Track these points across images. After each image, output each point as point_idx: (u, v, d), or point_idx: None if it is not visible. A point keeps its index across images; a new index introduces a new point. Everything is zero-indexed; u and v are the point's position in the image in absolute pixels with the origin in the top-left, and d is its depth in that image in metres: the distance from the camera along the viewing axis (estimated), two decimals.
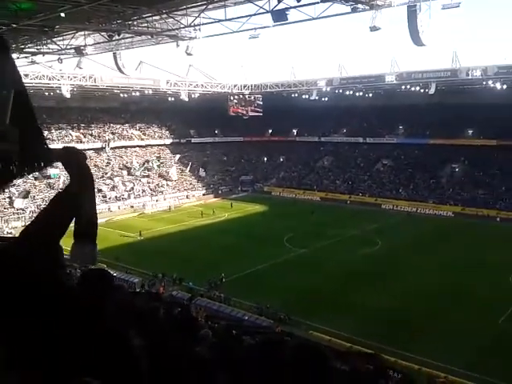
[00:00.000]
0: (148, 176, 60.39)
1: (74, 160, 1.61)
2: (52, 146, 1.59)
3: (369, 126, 64.63)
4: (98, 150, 59.53)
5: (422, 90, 52.41)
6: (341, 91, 58.79)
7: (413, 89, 53.29)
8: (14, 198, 46.35)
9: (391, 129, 62.71)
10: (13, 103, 1.40)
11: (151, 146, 66.63)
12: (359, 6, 20.48)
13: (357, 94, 58.73)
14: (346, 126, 67.74)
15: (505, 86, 47.14)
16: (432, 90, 50.05)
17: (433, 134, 57.77)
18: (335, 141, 67.19)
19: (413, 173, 57.51)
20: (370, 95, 60.19)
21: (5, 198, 46.98)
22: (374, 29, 21.60)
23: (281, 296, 25.99)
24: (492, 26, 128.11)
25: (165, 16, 23.35)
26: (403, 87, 54.08)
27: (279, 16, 20.58)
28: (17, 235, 1.63)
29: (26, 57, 31.47)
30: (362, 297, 25.93)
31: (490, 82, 47.70)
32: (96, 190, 1.76)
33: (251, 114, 66.56)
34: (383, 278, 28.99)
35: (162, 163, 63.08)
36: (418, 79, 51.36)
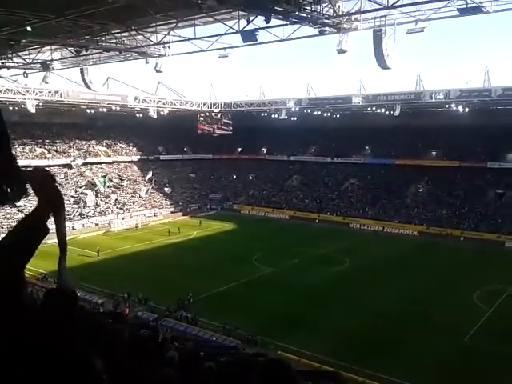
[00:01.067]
0: (114, 193, 59.31)
1: (43, 181, 1.52)
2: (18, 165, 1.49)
3: (337, 145, 65.72)
4: (62, 167, 58.15)
5: (387, 112, 53.83)
6: (309, 111, 59.77)
7: (378, 110, 54.74)
8: None
9: (358, 149, 63.95)
10: None
11: (118, 162, 65.64)
12: (326, 28, 20.99)
13: (325, 114, 59.86)
14: (315, 145, 68.71)
15: (467, 109, 48.96)
16: (397, 112, 51.45)
17: (398, 155, 59.21)
18: (304, 160, 67.96)
19: (379, 192, 58.59)
20: (338, 116, 61.43)
21: None
22: (340, 51, 22.10)
23: (249, 316, 25.74)
24: (455, 49, 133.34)
25: (134, 33, 23.31)
26: (369, 109, 55.51)
27: (249, 36, 20.83)
28: None
29: None
30: (331, 316, 25.97)
31: (452, 105, 49.44)
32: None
33: (220, 132, 66.69)
34: (351, 298, 29.16)
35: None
36: (384, 101, 52.79)
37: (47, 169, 1.58)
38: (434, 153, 58.29)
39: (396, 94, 52.16)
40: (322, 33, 21.13)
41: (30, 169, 1.52)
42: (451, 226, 48.85)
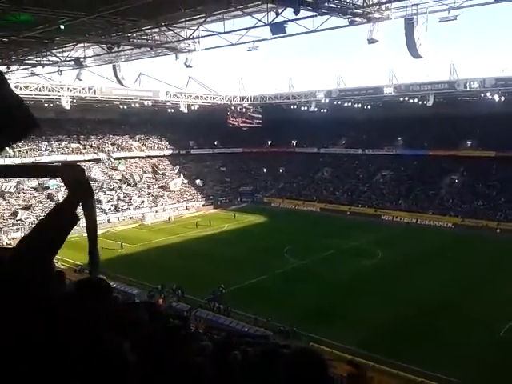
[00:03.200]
0: (148, 187, 60.41)
1: (73, 175, 1.62)
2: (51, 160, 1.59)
3: (368, 137, 64.83)
4: (97, 161, 59.60)
5: (420, 102, 52.69)
6: (339, 103, 59.12)
7: (411, 101, 53.58)
8: (16, 210, 46.35)
9: (390, 140, 62.88)
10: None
11: (150, 157, 66.78)
12: (357, 19, 20.72)
13: (355, 105, 59.06)
14: (345, 137, 67.99)
15: (503, 98, 47.41)
16: (430, 102, 50.34)
17: (431, 146, 57.94)
18: (334, 152, 67.36)
19: (412, 184, 57.57)
20: (369, 107, 60.48)
21: (4, 210, 46.99)
22: (371, 41, 21.81)
23: (281, 308, 25.83)
24: (490, 37, 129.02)
25: (164, 28, 23.60)
26: (401, 99, 54.42)
27: (277, 29, 20.79)
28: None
29: (25, 68, 31.69)
30: (363, 308, 25.79)
31: (487, 94, 47.97)
32: (96, 201, 1.77)
33: (250, 125, 66.83)
34: (383, 290, 28.86)
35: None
36: (416, 91, 51.69)
37: (77, 163, 1.68)
38: (468, 143, 56.69)
39: (429, 83, 50.99)
40: (352, 23, 20.88)
41: (59, 164, 1.62)
42: (487, 217, 47.57)
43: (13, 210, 46.90)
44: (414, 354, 20.24)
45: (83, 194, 1.60)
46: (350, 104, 58.80)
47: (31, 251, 1.51)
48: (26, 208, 47.40)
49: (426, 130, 58.66)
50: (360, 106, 59.32)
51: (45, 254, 1.55)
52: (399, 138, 62.79)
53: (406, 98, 53.79)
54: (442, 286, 29.16)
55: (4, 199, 48.11)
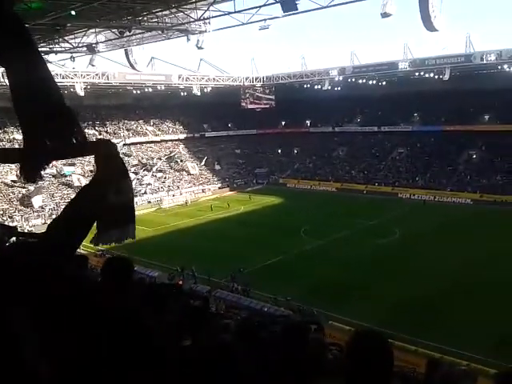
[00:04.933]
0: (164, 171, 60.79)
1: (104, 151, 1.62)
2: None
3: (383, 114, 63.96)
4: None
5: (436, 77, 51.61)
6: (353, 80, 58.28)
7: (427, 75, 52.53)
8: (31, 198, 46.90)
9: (406, 117, 61.98)
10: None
11: (165, 141, 67.03)
12: None
13: (370, 82, 58.18)
14: (360, 115, 67.23)
15: None
16: (446, 76, 49.30)
17: (449, 121, 56.97)
18: (349, 130, 66.67)
19: (429, 160, 56.84)
20: (384, 83, 59.51)
21: (24, 197, 47.78)
22: (385, 15, 21.40)
23: (300, 287, 25.99)
24: (506, 7, 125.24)
25: (174, 10, 23.40)
26: (417, 74, 53.36)
27: (289, 6, 20.49)
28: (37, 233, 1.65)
29: None
30: (382, 287, 25.80)
31: (505, 67, 46.78)
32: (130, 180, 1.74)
33: (264, 106, 66.40)
34: (403, 268, 28.81)
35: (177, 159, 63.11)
36: (432, 65, 50.63)
37: (111, 141, 1.67)
38: (486, 117, 55.60)
39: (445, 57, 49.89)
40: None
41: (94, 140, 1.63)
42: (507, 192, 46.82)
43: (28, 197, 47.57)
44: (434, 331, 20.24)
45: (113, 171, 1.59)
46: (364, 81, 57.96)
47: (60, 234, 1.53)
48: (39, 193, 47.85)
49: (442, 105, 57.59)
50: (375, 82, 58.41)
51: (73, 236, 1.56)
52: (415, 114, 61.86)
53: (422, 73, 52.74)
54: (463, 263, 28.93)
55: (23, 187, 48.88)
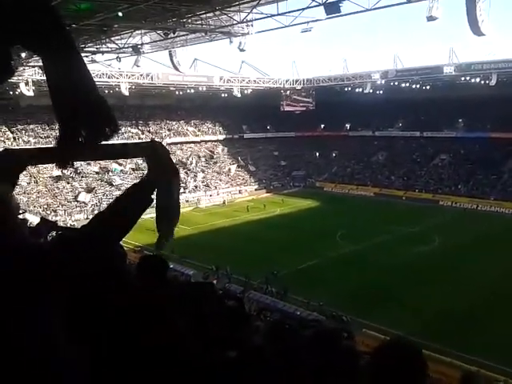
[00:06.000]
0: (202, 171, 61.56)
1: (155, 153, 1.66)
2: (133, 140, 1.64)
3: (426, 119, 62.48)
4: None
5: (482, 82, 50.04)
6: (396, 84, 57.19)
7: (473, 80, 51.03)
8: (79, 192, 48.64)
9: (450, 122, 60.29)
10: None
11: (205, 141, 67.85)
12: None
13: (413, 86, 56.95)
14: (402, 119, 65.91)
15: None
16: (493, 82, 47.72)
17: (495, 127, 55.01)
18: (390, 135, 65.48)
19: (473, 168, 55.10)
20: (428, 87, 58.10)
21: (68, 192, 49.50)
22: (430, 19, 20.91)
23: (334, 293, 25.74)
24: None
25: (218, 13, 23.64)
26: (462, 79, 51.90)
27: (332, 8, 20.32)
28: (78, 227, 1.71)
29: (86, 56, 32.77)
30: (418, 296, 25.21)
31: None
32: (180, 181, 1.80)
33: (303, 108, 66.16)
34: (441, 277, 28.06)
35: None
36: (478, 70, 49.15)
37: (161, 142, 1.73)
38: None
39: (492, 62, 48.42)
40: (410, 0, 20.03)
41: (144, 142, 1.68)
42: None
43: (76, 192, 49.25)
44: (472, 343, 19.61)
45: (164, 172, 1.63)
46: (407, 85, 56.76)
47: (102, 229, 1.58)
48: (89, 191, 49.59)
49: (488, 111, 55.62)
50: (418, 86, 57.13)
51: (115, 233, 1.61)
52: (460, 120, 60.10)
53: (468, 78, 51.26)
54: (504, 274, 27.88)
55: (68, 183, 50.66)
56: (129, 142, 1.59)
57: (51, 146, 1.55)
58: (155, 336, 1.53)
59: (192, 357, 1.61)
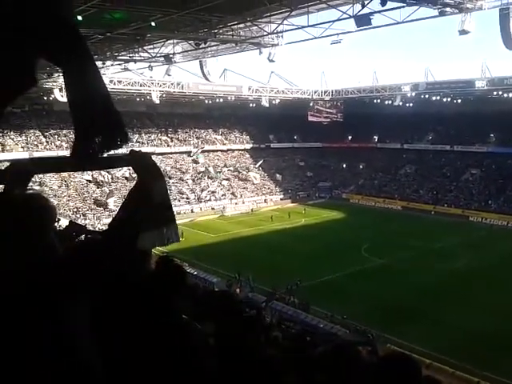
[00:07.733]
0: (228, 179, 61.86)
1: (140, 161, 1.74)
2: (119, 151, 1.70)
3: (457, 133, 61.31)
4: (183, 154, 62.36)
5: None
6: (427, 97, 56.37)
7: (505, 95, 49.94)
8: (106, 200, 49.36)
9: (482, 137, 58.99)
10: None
11: (232, 150, 68.31)
12: (447, 9, 19.66)
13: (444, 99, 56.05)
14: (432, 132, 64.87)
15: None
16: None
17: None
18: (419, 148, 64.45)
19: (504, 183, 53.71)
20: (459, 101, 57.11)
21: (98, 197, 50.50)
22: (463, 32, 20.63)
23: (357, 306, 25.40)
24: None
25: (249, 24, 23.95)
26: (495, 93, 50.80)
27: (363, 21, 20.29)
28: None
29: (119, 64, 33.60)
30: (445, 313, 24.62)
31: None
32: (174, 188, 1.86)
33: (330, 119, 65.96)
34: (468, 295, 27.33)
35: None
36: (511, 85, 48.06)
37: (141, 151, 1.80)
38: None
39: None
40: (442, 13, 19.83)
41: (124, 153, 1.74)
42: None
43: (105, 197, 50.18)
44: (499, 364, 19.01)
45: (152, 177, 1.70)
46: (438, 98, 55.89)
47: (118, 231, 1.67)
48: (110, 196, 50.28)
49: None
50: (449, 100, 56.20)
51: (130, 234, 1.69)
52: (492, 135, 58.73)
53: (500, 92, 50.17)
54: None
55: (98, 187, 51.72)
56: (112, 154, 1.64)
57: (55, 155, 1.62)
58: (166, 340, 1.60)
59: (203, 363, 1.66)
